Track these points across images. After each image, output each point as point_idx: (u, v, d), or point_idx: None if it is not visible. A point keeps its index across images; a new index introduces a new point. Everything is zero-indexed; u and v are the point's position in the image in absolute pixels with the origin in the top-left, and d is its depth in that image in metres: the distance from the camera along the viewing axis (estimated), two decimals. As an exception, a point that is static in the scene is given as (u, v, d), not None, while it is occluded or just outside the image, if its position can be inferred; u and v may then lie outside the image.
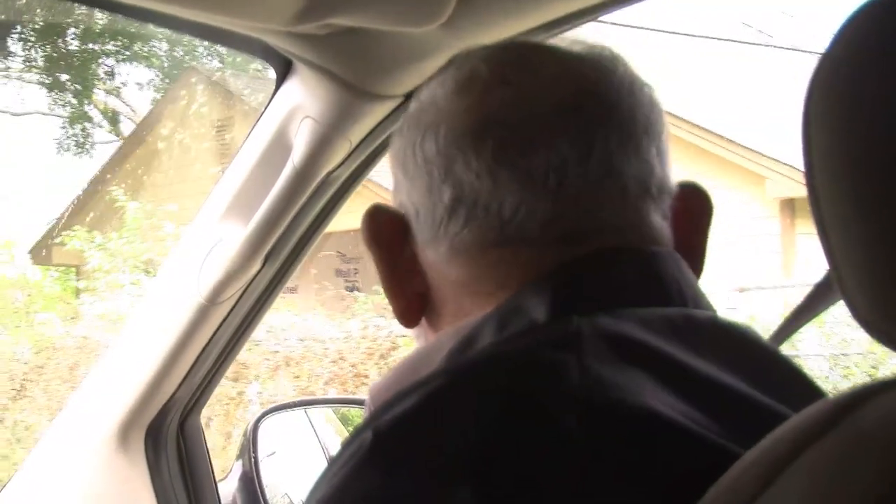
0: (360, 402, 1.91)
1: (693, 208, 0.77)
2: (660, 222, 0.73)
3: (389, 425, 0.61)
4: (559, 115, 0.70)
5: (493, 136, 0.70)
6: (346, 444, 0.62)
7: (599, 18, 1.25)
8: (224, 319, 1.43)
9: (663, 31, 12.23)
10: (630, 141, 0.71)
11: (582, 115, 0.70)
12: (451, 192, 0.71)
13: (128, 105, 15.32)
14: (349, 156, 1.31)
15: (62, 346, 8.46)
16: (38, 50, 13.99)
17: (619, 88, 0.73)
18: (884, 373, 6.00)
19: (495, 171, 0.69)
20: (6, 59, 14.14)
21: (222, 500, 1.59)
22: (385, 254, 0.77)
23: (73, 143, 14.95)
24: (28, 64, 14.32)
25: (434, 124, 0.73)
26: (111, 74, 14.97)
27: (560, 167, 0.69)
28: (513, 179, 0.69)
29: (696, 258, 0.76)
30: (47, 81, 14.56)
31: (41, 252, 12.34)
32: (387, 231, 0.77)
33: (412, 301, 0.77)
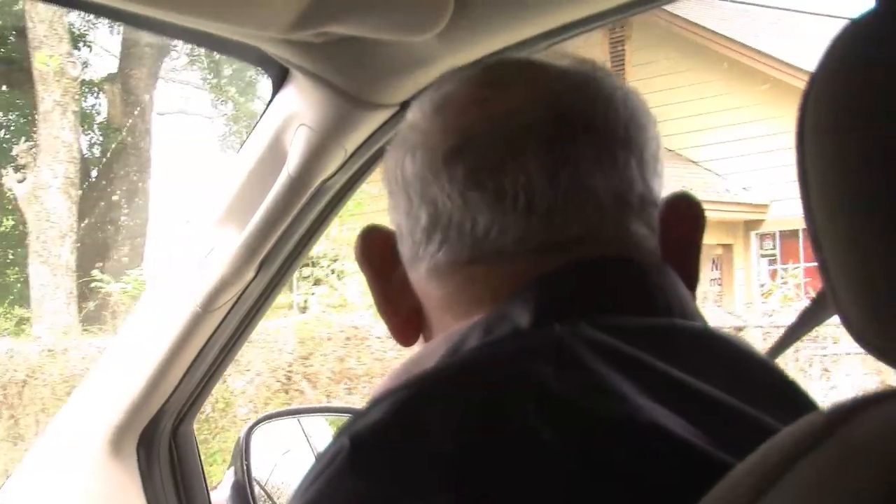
0: (352, 412, 1.90)
1: (684, 217, 0.77)
2: (643, 233, 0.73)
3: (367, 431, 0.61)
4: (528, 135, 0.71)
5: (465, 158, 0.71)
6: (325, 451, 0.62)
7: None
8: (218, 327, 1.43)
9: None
10: (605, 156, 0.71)
11: (551, 132, 0.71)
12: (427, 214, 0.72)
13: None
14: (344, 164, 1.31)
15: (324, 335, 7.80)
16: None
17: (593, 104, 0.73)
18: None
19: (466, 193, 0.70)
20: (168, 58, 14.32)
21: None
22: (377, 273, 0.79)
23: (237, 140, 15.15)
24: (191, 58, 14.49)
25: (413, 146, 0.74)
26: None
27: (528, 186, 0.69)
28: (484, 200, 0.70)
29: (689, 266, 0.76)
30: (209, 78, 14.76)
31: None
32: (378, 250, 0.78)
33: (409, 319, 0.78)
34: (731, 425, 0.61)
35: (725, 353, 0.69)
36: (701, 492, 0.52)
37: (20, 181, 10.63)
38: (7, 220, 14.88)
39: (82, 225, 11.35)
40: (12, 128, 14.60)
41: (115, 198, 12.85)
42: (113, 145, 12.87)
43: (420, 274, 0.75)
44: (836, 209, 0.49)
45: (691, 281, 0.76)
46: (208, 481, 1.59)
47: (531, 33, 1.17)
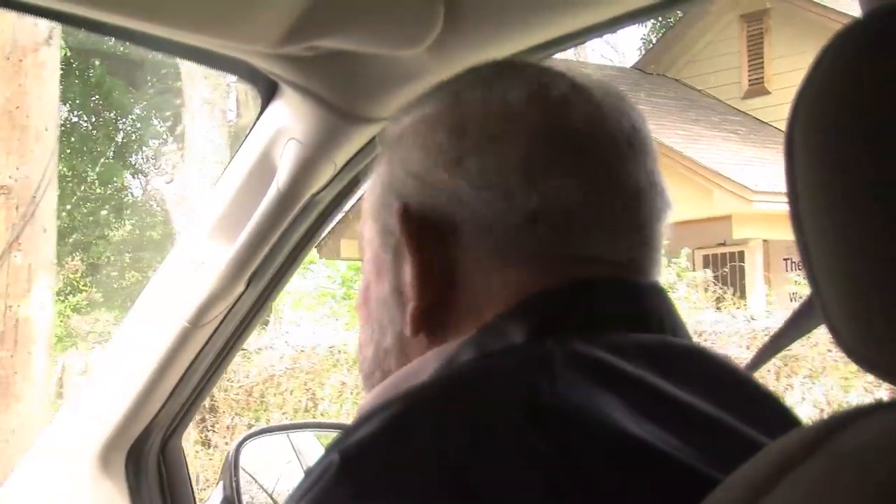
0: (341, 427, 1.89)
1: None
2: (647, 253, 0.74)
3: (356, 447, 0.61)
4: (625, 143, 0.73)
5: (577, 156, 0.71)
6: (314, 467, 0.62)
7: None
8: (207, 342, 1.43)
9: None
10: (644, 174, 0.74)
11: (635, 146, 0.74)
12: (533, 202, 0.70)
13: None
14: (334, 178, 1.31)
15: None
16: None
17: (630, 120, 0.75)
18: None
19: (567, 192, 0.70)
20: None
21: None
22: (424, 254, 0.74)
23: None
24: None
25: (512, 131, 0.72)
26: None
27: (634, 195, 0.72)
28: (598, 204, 0.71)
29: None
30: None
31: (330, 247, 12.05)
32: (428, 231, 0.74)
33: (431, 308, 0.74)
34: (720, 440, 0.62)
35: (714, 370, 0.71)
36: None
37: (168, 182, 10.39)
38: (125, 224, 14.91)
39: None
40: (129, 130, 14.49)
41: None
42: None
43: (492, 263, 0.72)
44: (827, 220, 0.49)
45: None
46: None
47: (521, 47, 1.17)
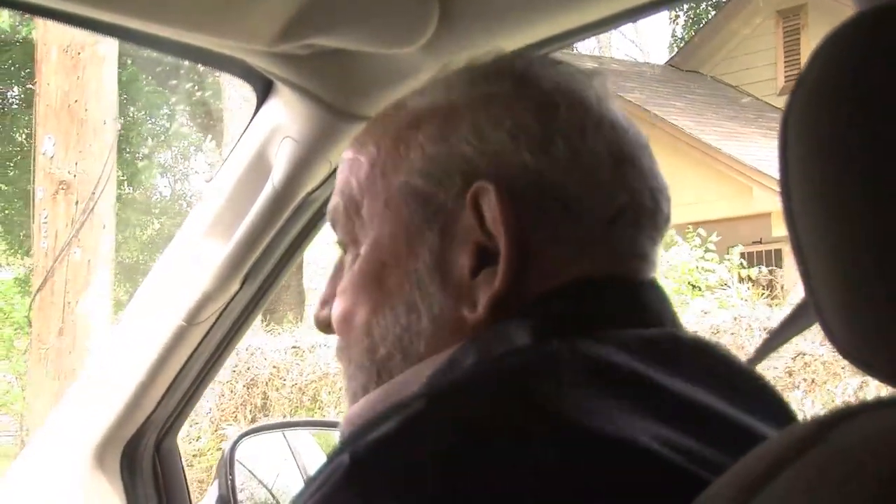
0: (336, 426, 1.90)
1: None
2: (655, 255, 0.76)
3: (368, 449, 0.60)
4: (647, 145, 0.77)
5: (637, 156, 0.74)
6: (322, 468, 0.62)
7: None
8: (202, 340, 1.43)
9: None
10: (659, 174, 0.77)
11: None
12: (623, 199, 0.72)
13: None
14: (329, 177, 1.31)
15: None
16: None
17: None
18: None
19: (644, 189, 0.73)
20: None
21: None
22: (516, 236, 0.70)
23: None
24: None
25: (593, 124, 0.73)
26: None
27: (667, 194, 0.75)
28: (658, 202, 0.74)
29: None
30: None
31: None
32: (520, 215, 0.70)
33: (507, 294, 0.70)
34: (723, 434, 0.62)
35: (716, 363, 0.70)
36: None
37: (207, 181, 10.60)
38: (153, 224, 15.15)
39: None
40: (159, 130, 14.64)
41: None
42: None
43: (567, 255, 0.70)
44: (820, 217, 0.49)
45: None
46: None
47: (516, 45, 1.16)
